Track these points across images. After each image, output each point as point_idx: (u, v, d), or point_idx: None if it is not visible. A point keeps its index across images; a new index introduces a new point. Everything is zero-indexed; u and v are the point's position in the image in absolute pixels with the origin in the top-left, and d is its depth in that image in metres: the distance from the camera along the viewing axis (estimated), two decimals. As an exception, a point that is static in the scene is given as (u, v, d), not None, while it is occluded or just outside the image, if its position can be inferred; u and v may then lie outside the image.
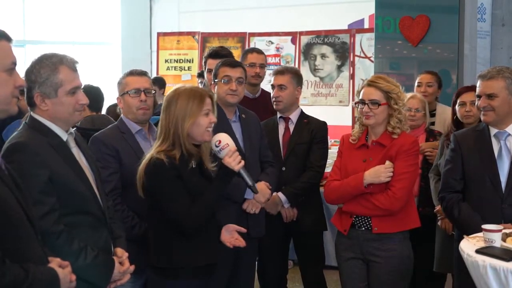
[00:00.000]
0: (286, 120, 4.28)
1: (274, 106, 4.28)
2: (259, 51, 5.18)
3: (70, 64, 2.63)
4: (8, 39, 2.09)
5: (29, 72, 2.60)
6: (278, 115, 4.32)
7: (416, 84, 5.21)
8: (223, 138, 3.03)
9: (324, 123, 4.31)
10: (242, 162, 3.01)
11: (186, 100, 2.95)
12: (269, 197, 3.83)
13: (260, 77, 4.96)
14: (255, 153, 3.89)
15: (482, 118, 3.43)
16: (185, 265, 2.95)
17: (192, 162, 2.97)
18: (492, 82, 3.35)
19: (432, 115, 4.95)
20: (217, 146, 3.00)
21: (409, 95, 4.59)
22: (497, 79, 3.34)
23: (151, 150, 2.99)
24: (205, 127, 2.98)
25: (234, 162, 2.97)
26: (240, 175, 3.04)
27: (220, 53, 4.51)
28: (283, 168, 4.17)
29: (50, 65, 2.58)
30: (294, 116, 4.27)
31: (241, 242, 3.11)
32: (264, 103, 4.44)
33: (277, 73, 4.31)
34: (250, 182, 3.08)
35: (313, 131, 4.22)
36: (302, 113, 4.32)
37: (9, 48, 2.09)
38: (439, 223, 4.30)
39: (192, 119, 2.94)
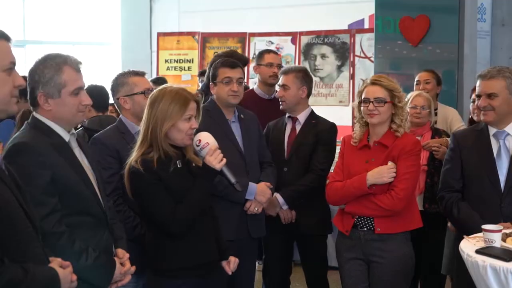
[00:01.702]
0: (294, 120, 4.22)
1: (280, 107, 4.24)
2: (275, 52, 5.23)
3: (74, 65, 2.63)
4: (7, 38, 2.09)
5: (32, 72, 2.60)
6: (287, 115, 4.26)
7: (415, 82, 5.24)
8: (203, 137, 2.99)
9: (332, 125, 4.22)
10: (224, 160, 2.98)
11: (169, 102, 2.90)
12: (269, 196, 3.82)
13: (278, 77, 4.95)
14: (255, 153, 3.88)
15: (482, 117, 3.42)
16: (177, 265, 2.94)
17: (176, 162, 2.94)
18: (493, 82, 3.34)
19: (434, 114, 4.95)
20: (197, 146, 2.98)
21: (415, 93, 4.62)
22: (497, 78, 3.34)
23: (133, 152, 2.96)
24: (185, 132, 2.93)
25: (215, 160, 2.95)
26: (222, 174, 3.03)
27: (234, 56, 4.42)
28: (285, 169, 4.12)
29: (54, 66, 2.58)
30: (302, 117, 4.19)
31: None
32: (278, 105, 4.40)
33: (282, 73, 4.30)
34: (232, 180, 3.05)
35: (319, 133, 4.12)
36: (311, 113, 4.23)
37: (8, 48, 2.09)
38: (449, 224, 4.23)
39: (171, 122, 2.89)
